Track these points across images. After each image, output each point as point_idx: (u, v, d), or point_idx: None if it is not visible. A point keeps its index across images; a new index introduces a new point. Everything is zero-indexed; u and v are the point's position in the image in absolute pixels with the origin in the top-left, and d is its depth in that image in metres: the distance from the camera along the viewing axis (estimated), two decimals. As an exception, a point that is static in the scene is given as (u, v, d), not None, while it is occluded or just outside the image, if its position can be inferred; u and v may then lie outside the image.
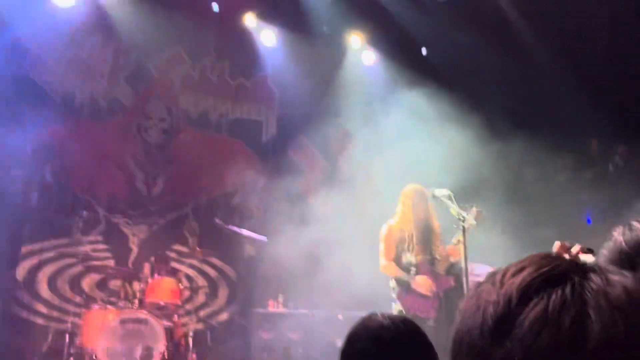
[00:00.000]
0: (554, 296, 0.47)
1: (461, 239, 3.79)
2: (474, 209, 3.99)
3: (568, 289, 0.48)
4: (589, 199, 7.23)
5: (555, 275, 0.50)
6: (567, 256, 1.10)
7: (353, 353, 1.20)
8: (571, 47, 6.78)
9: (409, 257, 4.24)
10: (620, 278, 0.49)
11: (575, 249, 1.10)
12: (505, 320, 0.49)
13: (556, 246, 1.13)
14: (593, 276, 0.49)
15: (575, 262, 0.52)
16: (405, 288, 4.18)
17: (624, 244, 0.98)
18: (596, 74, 6.82)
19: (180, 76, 8.00)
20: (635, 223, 1.01)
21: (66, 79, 7.41)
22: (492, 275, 0.56)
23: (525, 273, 0.51)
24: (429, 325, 3.96)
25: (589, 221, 7.38)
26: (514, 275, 0.53)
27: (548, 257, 0.54)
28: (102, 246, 7.04)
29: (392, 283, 4.31)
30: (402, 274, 4.20)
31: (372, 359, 1.15)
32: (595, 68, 6.79)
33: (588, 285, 0.48)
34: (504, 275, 0.54)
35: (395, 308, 4.25)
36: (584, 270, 0.50)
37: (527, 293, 0.49)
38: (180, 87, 7.95)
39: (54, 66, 7.34)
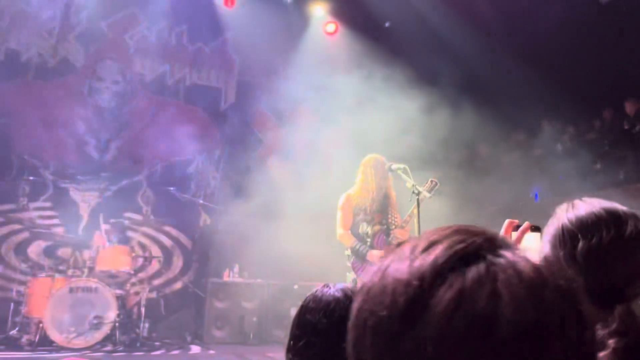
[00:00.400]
0: (467, 276, 0.45)
1: (415, 211, 3.88)
2: (429, 180, 4.06)
3: (482, 268, 0.46)
4: (538, 176, 7.51)
5: (469, 252, 0.48)
6: (515, 234, 1.14)
7: (304, 325, 1.21)
8: (527, 29, 6.91)
9: (365, 227, 4.29)
10: (528, 254, 0.49)
11: (523, 226, 1.13)
12: (417, 303, 0.46)
13: (506, 224, 1.16)
14: (505, 252, 0.48)
15: (488, 237, 0.50)
16: (360, 258, 4.25)
17: (566, 221, 1.02)
18: (549, 55, 7.01)
19: (135, 38, 7.65)
20: (578, 201, 1.05)
21: (11, 35, 6.96)
22: (399, 248, 0.52)
23: (438, 250, 0.48)
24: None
25: (536, 197, 7.69)
26: (424, 250, 0.49)
27: (460, 232, 0.51)
28: (49, 213, 6.78)
29: (348, 251, 4.37)
30: (358, 244, 4.26)
31: (322, 332, 1.16)
32: (549, 50, 6.97)
33: (500, 263, 0.47)
34: (413, 251, 0.50)
35: (349, 277, 4.32)
36: (495, 246, 0.49)
37: (441, 273, 0.46)
38: (135, 50, 7.62)
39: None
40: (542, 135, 7.96)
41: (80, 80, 7.27)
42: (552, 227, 1.05)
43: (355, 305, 0.52)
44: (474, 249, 0.48)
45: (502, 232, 1.16)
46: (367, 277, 0.53)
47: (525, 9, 6.84)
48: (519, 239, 1.12)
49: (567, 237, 1.00)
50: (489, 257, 0.47)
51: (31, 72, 7.05)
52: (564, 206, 1.06)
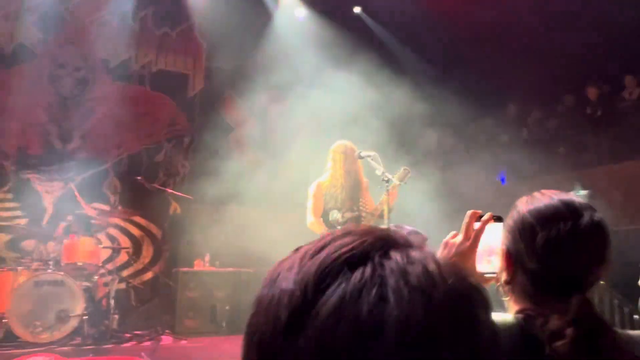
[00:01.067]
0: (352, 280, 0.42)
1: (385, 200, 3.90)
2: (402, 169, 4.08)
3: (368, 271, 0.43)
4: (505, 160, 7.67)
5: (355, 255, 0.45)
6: (477, 225, 1.15)
7: None
8: (493, 13, 6.98)
9: (335, 215, 4.30)
10: (421, 255, 0.46)
11: (485, 217, 1.15)
12: (299, 314, 0.43)
13: (469, 214, 1.17)
14: (394, 253, 0.45)
15: (379, 237, 0.47)
16: None
17: (526, 213, 1.04)
18: (516, 38, 7.11)
19: (98, 23, 7.40)
20: (537, 194, 1.07)
21: (-37, 19, 6.64)
22: (294, 252, 0.50)
23: (323, 254, 0.46)
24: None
25: (502, 181, 7.86)
26: (312, 257, 0.46)
27: (350, 234, 0.48)
28: (11, 204, 6.56)
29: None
30: (326, 231, 4.26)
31: None
32: (517, 32, 7.07)
33: (388, 265, 0.43)
34: (302, 258, 0.47)
35: None
36: (386, 246, 0.46)
37: (324, 279, 0.43)
38: (98, 35, 7.37)
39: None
40: (509, 119, 8.11)
41: (39, 67, 7.01)
42: (511, 220, 1.07)
43: (248, 317, 0.48)
44: (362, 250, 0.45)
45: (464, 223, 1.17)
46: (261, 289, 0.49)
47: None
48: (481, 230, 1.13)
49: (527, 229, 1.03)
50: (377, 259, 0.44)
51: (-14, 59, 6.76)
52: (523, 199, 1.09)
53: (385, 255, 0.45)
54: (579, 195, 1.07)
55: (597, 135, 6.96)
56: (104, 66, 7.38)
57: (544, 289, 0.99)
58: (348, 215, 4.32)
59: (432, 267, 0.45)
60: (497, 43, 7.08)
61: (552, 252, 0.98)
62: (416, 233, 4.23)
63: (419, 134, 6.90)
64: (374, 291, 0.42)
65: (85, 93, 7.22)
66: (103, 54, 7.38)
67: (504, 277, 1.06)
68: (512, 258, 1.04)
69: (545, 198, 1.05)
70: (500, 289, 1.09)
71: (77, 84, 7.20)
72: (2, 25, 6.85)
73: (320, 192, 4.36)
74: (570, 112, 7.59)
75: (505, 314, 1.01)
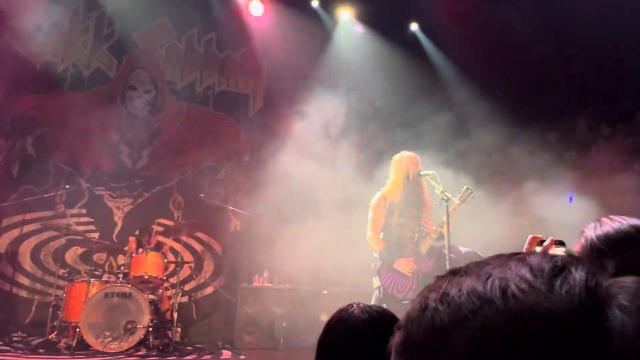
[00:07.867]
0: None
1: (445, 220, 3.80)
2: (465, 188, 3.98)
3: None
4: (572, 177, 7.31)
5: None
6: (538, 249, 1.11)
7: (329, 347, 1.20)
8: (559, 29, 6.74)
9: (398, 232, 4.20)
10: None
11: (547, 242, 1.11)
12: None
13: (529, 239, 1.13)
14: None
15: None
16: (387, 265, 4.20)
17: (595, 239, 0.99)
18: (584, 56, 6.81)
19: (166, 47, 7.81)
20: (605, 219, 1.02)
21: (47, 47, 7.20)
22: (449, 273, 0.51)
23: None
24: (403, 304, 4.03)
25: (570, 199, 7.47)
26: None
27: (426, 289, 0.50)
28: (85, 219, 6.98)
29: (376, 254, 4.31)
30: (386, 250, 4.19)
31: (347, 355, 1.15)
32: (584, 50, 6.78)
33: None
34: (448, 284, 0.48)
35: (375, 283, 4.29)
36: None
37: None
38: (166, 59, 7.78)
39: (34, 32, 7.12)
40: (577, 135, 7.74)
41: (113, 89, 7.47)
42: (579, 246, 1.02)
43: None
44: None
45: (525, 248, 1.13)
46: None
47: (561, 9, 6.65)
48: None
49: (595, 255, 0.98)
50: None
51: (67, 83, 7.27)
52: (591, 224, 1.03)
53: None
54: None
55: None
56: (171, 88, 7.75)
57: None
58: (409, 236, 4.23)
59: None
60: (565, 54, 6.80)
61: None
62: (474, 254, 4.12)
63: (482, 150, 6.71)
64: None
65: (153, 114, 7.61)
66: (170, 77, 7.76)
67: None
68: None
69: (615, 223, 0.99)
70: None
71: (146, 105, 7.59)
72: (81, 52, 7.37)
73: (381, 204, 4.30)
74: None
75: None
